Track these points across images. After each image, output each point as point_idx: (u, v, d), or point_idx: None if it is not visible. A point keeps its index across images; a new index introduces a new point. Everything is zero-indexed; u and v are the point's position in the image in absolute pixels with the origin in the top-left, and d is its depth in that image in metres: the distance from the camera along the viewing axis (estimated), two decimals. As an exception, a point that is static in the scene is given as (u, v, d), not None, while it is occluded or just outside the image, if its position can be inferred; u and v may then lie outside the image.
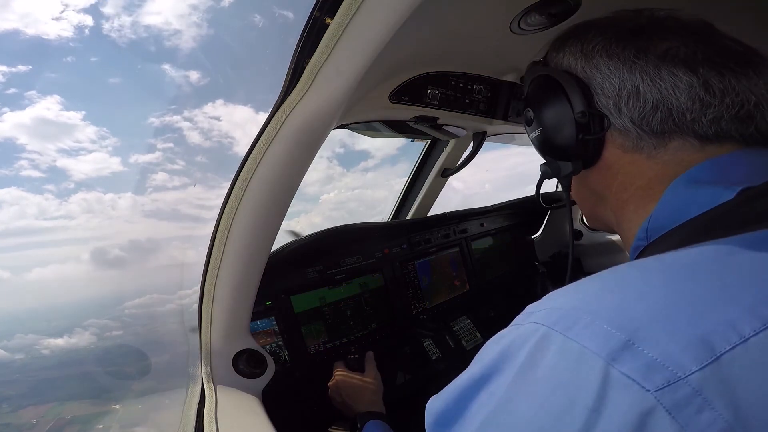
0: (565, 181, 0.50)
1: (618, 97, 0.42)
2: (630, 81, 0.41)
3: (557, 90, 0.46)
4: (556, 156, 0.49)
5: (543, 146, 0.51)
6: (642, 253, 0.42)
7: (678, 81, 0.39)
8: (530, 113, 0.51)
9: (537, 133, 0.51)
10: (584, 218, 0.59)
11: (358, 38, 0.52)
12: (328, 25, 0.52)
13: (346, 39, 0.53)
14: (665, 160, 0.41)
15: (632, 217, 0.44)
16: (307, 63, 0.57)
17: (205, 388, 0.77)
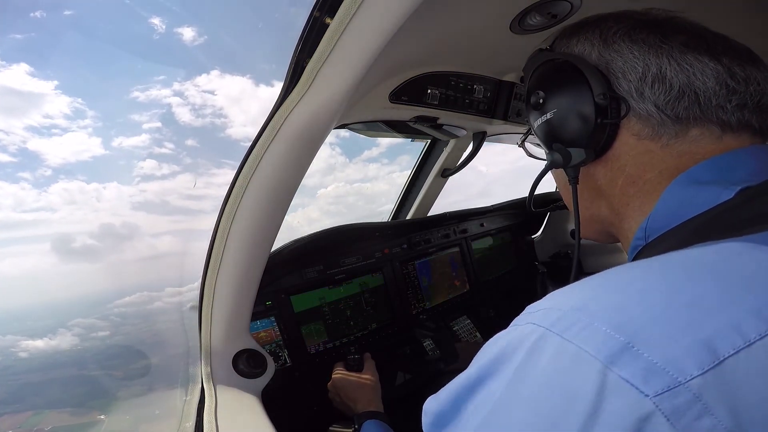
0: (573, 171, 0.47)
1: (641, 81, 0.41)
2: (655, 65, 0.40)
3: (574, 73, 0.44)
4: (568, 142, 0.46)
5: (554, 131, 0.47)
6: (640, 253, 0.41)
7: (705, 67, 0.39)
8: (540, 96, 0.47)
9: (548, 116, 0.47)
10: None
11: (357, 38, 0.52)
12: (328, 25, 0.52)
13: (345, 39, 0.53)
14: (681, 151, 0.40)
15: (634, 215, 0.43)
16: (307, 63, 0.57)
17: (205, 388, 0.77)
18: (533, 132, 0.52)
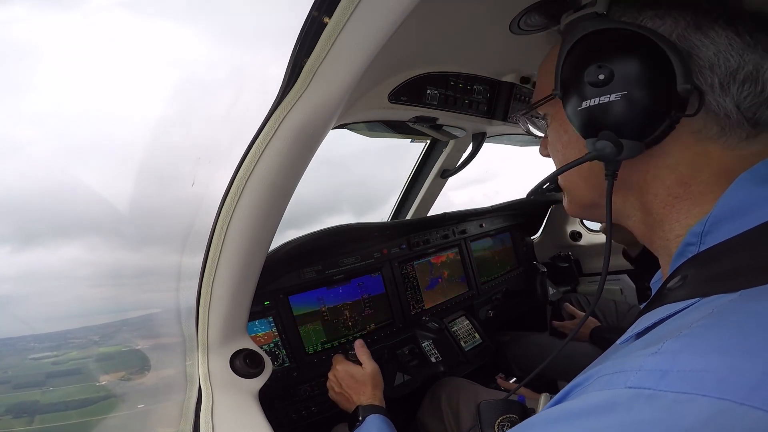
0: (615, 165, 0.41)
1: (730, 77, 0.36)
2: (752, 63, 0.36)
3: (656, 52, 0.37)
4: (623, 132, 0.39)
5: (609, 117, 0.39)
6: (693, 259, 0.37)
7: None
8: (607, 71, 0.39)
9: (611, 98, 0.39)
10: (568, 203, 0.53)
11: (356, 37, 0.52)
12: (326, 24, 0.52)
13: (344, 38, 0.53)
14: (744, 154, 0.37)
15: (679, 218, 0.40)
16: (306, 62, 0.57)
17: (202, 388, 0.77)
18: (569, 113, 0.43)
